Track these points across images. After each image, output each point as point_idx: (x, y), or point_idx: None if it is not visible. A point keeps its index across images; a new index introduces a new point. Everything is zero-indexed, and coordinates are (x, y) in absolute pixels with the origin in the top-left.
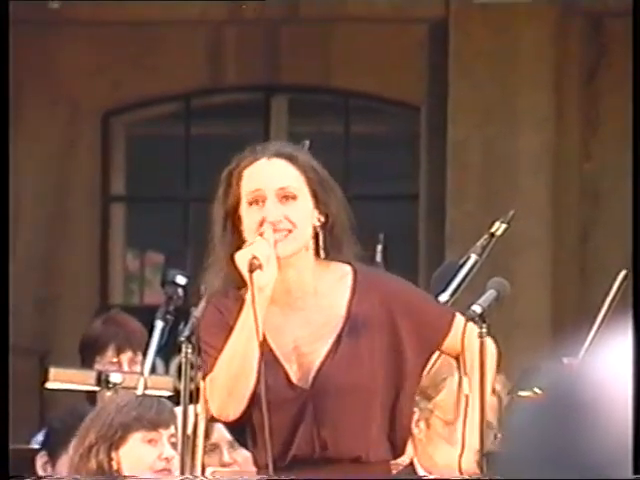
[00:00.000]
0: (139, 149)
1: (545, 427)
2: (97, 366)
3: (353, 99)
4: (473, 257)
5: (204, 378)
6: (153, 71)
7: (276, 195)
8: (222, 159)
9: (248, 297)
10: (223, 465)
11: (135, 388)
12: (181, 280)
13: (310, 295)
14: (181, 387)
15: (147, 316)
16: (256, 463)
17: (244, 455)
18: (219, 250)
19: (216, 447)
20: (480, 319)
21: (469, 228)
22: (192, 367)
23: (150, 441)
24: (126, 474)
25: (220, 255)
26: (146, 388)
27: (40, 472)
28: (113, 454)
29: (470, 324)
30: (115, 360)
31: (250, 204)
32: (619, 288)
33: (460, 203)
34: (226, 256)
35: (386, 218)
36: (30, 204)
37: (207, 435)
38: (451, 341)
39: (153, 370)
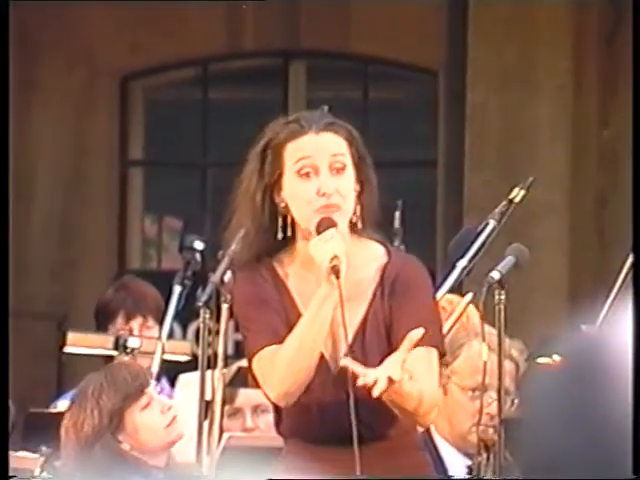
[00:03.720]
0: (157, 114)
1: (563, 394)
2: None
3: (371, 64)
4: (491, 223)
5: (250, 358)
6: (171, 35)
7: (329, 166)
8: (240, 124)
9: (322, 292)
10: (245, 430)
11: (153, 353)
12: (199, 245)
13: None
14: (199, 352)
15: (165, 281)
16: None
17: (267, 420)
18: (251, 222)
19: (239, 411)
20: (499, 285)
21: (487, 194)
22: (210, 332)
23: (145, 407)
24: (141, 444)
25: (252, 227)
26: (164, 353)
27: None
28: (120, 437)
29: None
30: (126, 327)
31: (300, 175)
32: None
33: (478, 169)
34: (260, 228)
35: (404, 184)
36: (47, 168)
37: (231, 399)
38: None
39: (171, 335)
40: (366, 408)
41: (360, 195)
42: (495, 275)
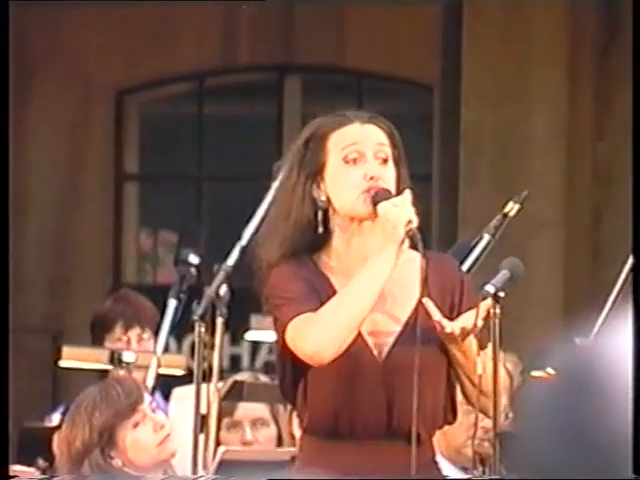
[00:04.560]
0: (153, 128)
1: (558, 407)
2: (107, 344)
3: (366, 79)
4: (486, 237)
5: (285, 325)
6: (166, 50)
7: (374, 154)
8: (235, 139)
9: (388, 254)
10: (244, 443)
11: (148, 367)
12: (194, 259)
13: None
14: (194, 366)
15: (160, 295)
16: (305, 428)
17: (266, 434)
18: (286, 219)
19: (238, 425)
20: (494, 299)
21: (482, 209)
22: (205, 346)
23: (137, 424)
24: (133, 461)
25: (288, 224)
26: (159, 367)
27: (56, 450)
28: (112, 453)
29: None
30: (124, 337)
31: (347, 161)
32: (629, 274)
33: (473, 184)
34: (297, 224)
35: None
36: (43, 182)
37: (230, 412)
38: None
39: (166, 349)
40: (402, 407)
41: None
42: (490, 289)
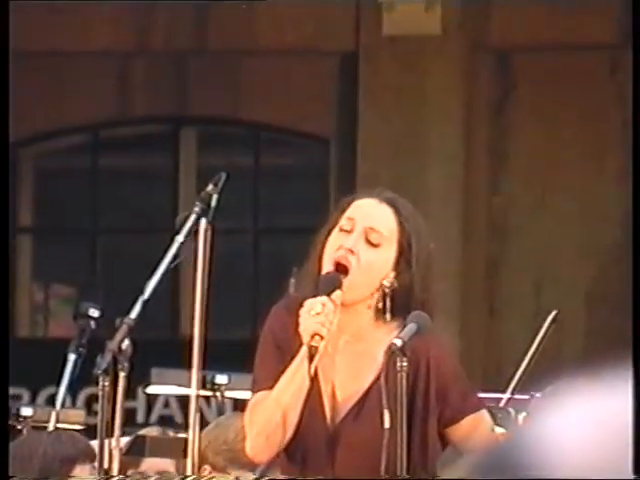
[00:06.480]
0: (47, 180)
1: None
2: None
3: (262, 131)
4: None
5: (251, 395)
6: (61, 102)
7: (364, 231)
8: (130, 191)
9: (302, 355)
10: None
11: (47, 422)
12: (94, 313)
13: (359, 341)
14: (98, 420)
15: (52, 348)
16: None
17: None
18: (309, 266)
19: (143, 478)
20: (401, 352)
21: None
22: (109, 401)
23: (91, 474)
24: None
25: (310, 269)
26: (58, 422)
27: None
28: None
29: (488, 419)
30: None
31: (340, 230)
32: (548, 328)
33: None
34: (311, 273)
35: (297, 251)
36: None
37: (136, 465)
38: (460, 428)
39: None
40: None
41: (396, 290)
42: (397, 342)
